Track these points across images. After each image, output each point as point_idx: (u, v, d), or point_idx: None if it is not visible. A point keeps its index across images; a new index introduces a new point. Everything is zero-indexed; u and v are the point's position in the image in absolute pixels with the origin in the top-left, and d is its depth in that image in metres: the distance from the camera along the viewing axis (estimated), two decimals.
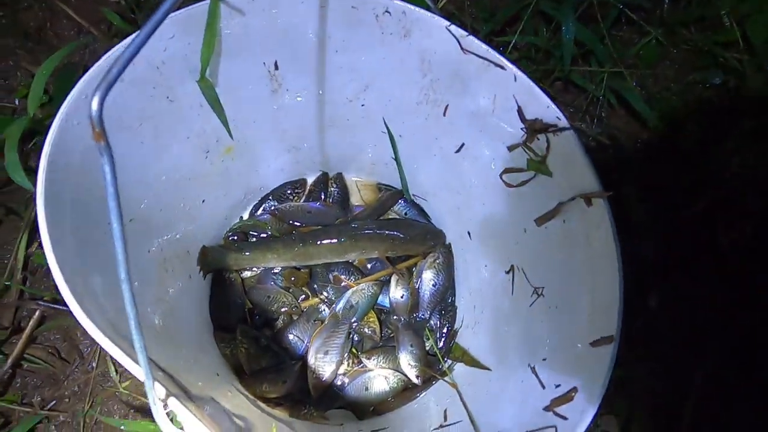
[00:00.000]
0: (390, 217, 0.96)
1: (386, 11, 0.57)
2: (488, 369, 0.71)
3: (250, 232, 0.93)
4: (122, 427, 0.79)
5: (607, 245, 0.52)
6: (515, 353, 0.65)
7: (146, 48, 0.52)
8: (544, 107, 0.55)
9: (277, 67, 0.66)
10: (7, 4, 0.99)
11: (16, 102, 0.98)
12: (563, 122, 0.54)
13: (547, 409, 0.51)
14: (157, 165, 0.65)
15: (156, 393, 0.40)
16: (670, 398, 0.97)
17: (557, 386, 0.52)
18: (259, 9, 0.56)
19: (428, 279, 0.90)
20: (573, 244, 0.57)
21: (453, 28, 0.56)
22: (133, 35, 0.33)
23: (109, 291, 0.50)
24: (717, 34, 1.06)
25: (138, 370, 0.40)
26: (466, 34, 0.56)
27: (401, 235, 0.88)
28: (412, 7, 0.56)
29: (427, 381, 0.83)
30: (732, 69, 1.05)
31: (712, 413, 0.96)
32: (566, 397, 0.49)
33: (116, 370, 0.89)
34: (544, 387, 0.54)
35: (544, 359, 0.57)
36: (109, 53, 0.52)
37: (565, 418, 0.48)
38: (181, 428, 0.43)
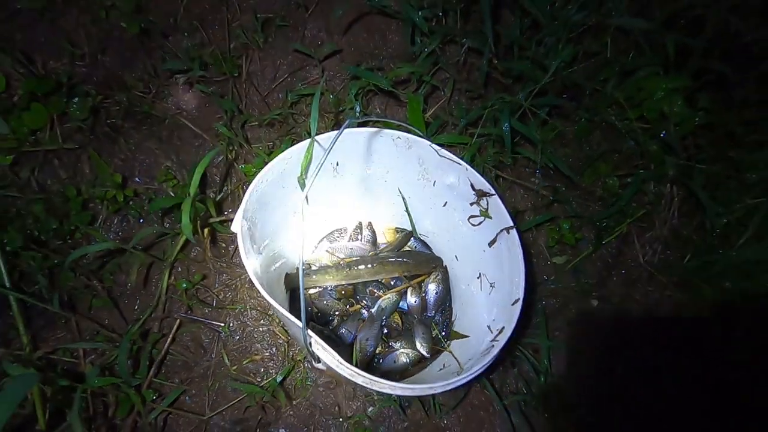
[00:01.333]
0: (405, 249, 1.51)
1: (398, 137, 1.15)
2: (468, 336, 1.24)
3: (313, 263, 1.49)
4: (240, 389, 1.32)
5: (518, 255, 1.07)
6: (482, 322, 1.17)
7: (277, 165, 1.11)
8: (482, 183, 1.12)
9: (337, 164, 1.24)
10: (147, 121, 1.61)
11: (156, 184, 1.58)
12: (492, 191, 1.10)
13: (491, 341, 1.04)
14: (274, 220, 1.22)
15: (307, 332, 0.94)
16: (610, 372, 1.47)
17: (497, 329, 1.05)
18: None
19: (432, 289, 1.44)
20: (503, 255, 1.12)
21: (434, 145, 1.13)
22: (310, 176, 0.90)
23: (267, 284, 1.05)
24: (627, 113, 1.63)
25: (297, 322, 0.94)
26: (440, 147, 1.13)
27: (413, 261, 1.43)
28: (413, 135, 1.14)
29: (434, 355, 1.35)
30: (638, 138, 1.61)
31: (642, 383, 1.45)
32: (500, 332, 1.02)
33: (228, 359, 1.42)
34: (492, 332, 1.07)
35: (494, 319, 1.11)
36: (271, 166, 1.10)
37: (498, 341, 1.01)
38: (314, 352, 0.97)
